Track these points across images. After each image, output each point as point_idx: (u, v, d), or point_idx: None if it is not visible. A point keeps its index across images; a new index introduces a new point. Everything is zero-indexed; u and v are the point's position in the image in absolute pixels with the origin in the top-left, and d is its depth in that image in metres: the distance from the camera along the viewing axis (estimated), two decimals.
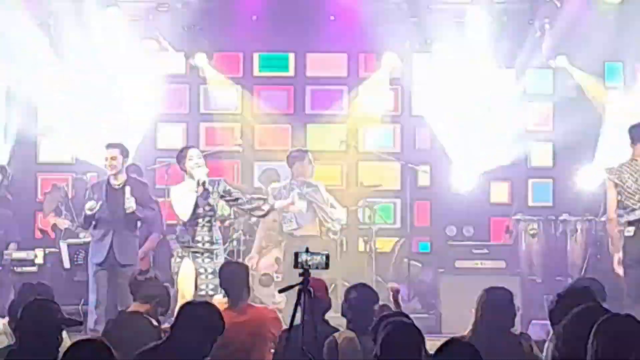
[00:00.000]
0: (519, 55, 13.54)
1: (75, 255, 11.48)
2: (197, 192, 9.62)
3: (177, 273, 9.62)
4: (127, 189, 10.20)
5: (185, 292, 9.50)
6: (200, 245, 9.64)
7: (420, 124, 14.14)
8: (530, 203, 14.05)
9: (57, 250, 11.71)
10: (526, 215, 12.74)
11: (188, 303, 6.23)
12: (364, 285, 7.54)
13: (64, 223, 12.19)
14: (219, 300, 8.85)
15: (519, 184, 14.18)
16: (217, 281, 9.36)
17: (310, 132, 14.27)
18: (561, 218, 12.41)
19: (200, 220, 9.66)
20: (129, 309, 7.76)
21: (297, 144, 13.87)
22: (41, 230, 13.12)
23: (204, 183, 9.63)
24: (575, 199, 13.18)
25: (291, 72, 14.30)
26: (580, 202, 12.98)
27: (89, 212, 10.19)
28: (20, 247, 12.30)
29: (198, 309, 5.94)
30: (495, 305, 6.59)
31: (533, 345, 6.75)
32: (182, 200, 9.70)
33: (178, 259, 9.67)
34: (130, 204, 10.15)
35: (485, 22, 13.08)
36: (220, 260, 9.62)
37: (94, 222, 10.28)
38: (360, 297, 7.13)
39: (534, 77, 14.05)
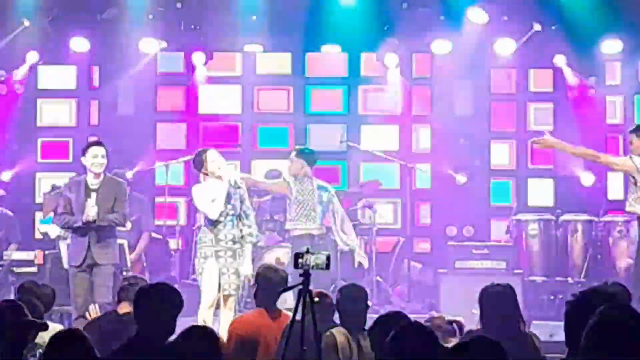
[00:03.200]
0: (519, 54, 13.54)
1: None
2: (229, 189, 9.58)
3: (201, 273, 9.54)
4: (93, 196, 9.69)
5: (207, 293, 9.46)
6: (223, 243, 9.59)
7: (420, 123, 14.16)
8: (530, 203, 14.04)
9: (57, 250, 11.68)
10: (526, 215, 12.73)
11: (144, 287, 6.19)
12: (353, 284, 7.62)
13: (54, 231, 12.05)
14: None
15: (519, 184, 14.17)
16: (239, 281, 9.50)
17: (311, 132, 14.26)
18: (561, 218, 12.39)
19: (223, 219, 9.61)
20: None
21: (298, 144, 13.87)
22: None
23: (235, 182, 9.65)
24: (575, 199, 13.18)
25: (291, 72, 14.29)
26: (580, 202, 12.98)
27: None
28: (20, 247, 12.29)
29: (155, 290, 5.96)
30: (494, 300, 6.61)
31: (540, 346, 6.73)
32: (210, 199, 9.62)
33: (202, 259, 9.58)
34: (92, 212, 9.63)
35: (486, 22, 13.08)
36: (247, 260, 9.59)
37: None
38: (348, 296, 7.17)
39: (534, 77, 14.04)
